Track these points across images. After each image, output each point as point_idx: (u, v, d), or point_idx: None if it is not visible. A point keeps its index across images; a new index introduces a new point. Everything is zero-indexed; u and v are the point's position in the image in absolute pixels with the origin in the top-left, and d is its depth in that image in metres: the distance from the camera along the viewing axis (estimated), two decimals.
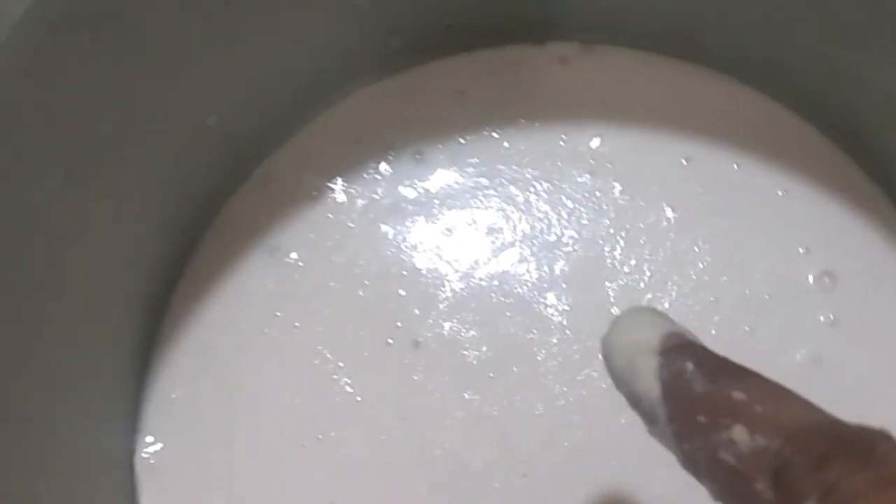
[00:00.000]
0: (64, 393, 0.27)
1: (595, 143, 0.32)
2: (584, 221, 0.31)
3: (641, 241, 0.31)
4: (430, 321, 0.30)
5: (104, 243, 0.27)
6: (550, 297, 0.30)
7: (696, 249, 0.30)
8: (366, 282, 0.31)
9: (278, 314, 0.31)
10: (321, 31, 0.29)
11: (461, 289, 0.31)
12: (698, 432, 0.19)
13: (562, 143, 0.32)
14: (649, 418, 0.20)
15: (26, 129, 0.23)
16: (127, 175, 0.27)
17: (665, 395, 0.20)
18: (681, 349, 0.20)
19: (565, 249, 0.31)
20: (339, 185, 0.31)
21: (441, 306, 0.30)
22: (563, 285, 0.30)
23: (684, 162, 0.31)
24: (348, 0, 0.28)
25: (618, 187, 0.31)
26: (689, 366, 0.19)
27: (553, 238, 0.31)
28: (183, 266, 0.31)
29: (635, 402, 0.21)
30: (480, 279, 0.31)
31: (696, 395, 0.19)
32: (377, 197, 0.31)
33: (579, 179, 0.31)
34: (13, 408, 0.24)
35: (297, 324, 0.31)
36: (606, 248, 0.31)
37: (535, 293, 0.30)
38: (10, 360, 0.24)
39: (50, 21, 0.22)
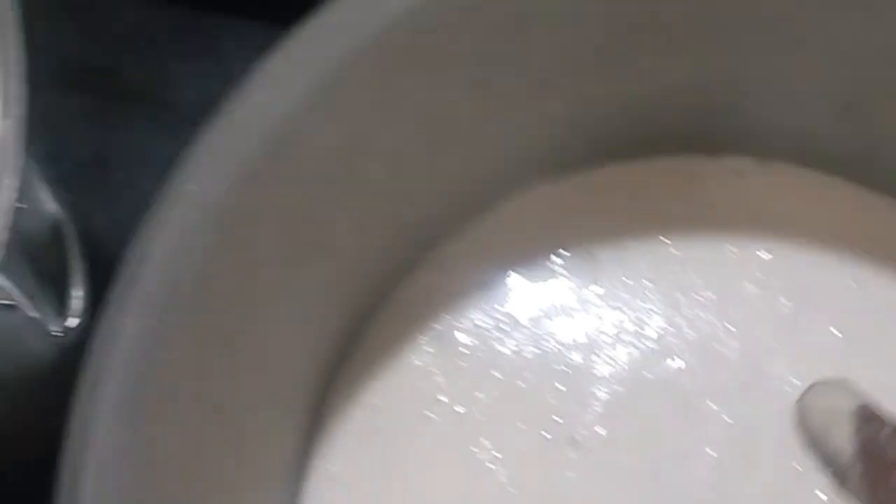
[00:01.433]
0: (241, 452, 0.28)
1: (765, 257, 0.32)
2: (749, 334, 0.31)
3: (806, 360, 0.31)
4: (589, 419, 0.31)
5: (284, 318, 0.29)
6: (711, 406, 0.30)
7: (862, 373, 0.30)
8: (527, 374, 0.31)
9: (441, 399, 0.31)
10: (511, 132, 0.30)
11: (621, 390, 0.31)
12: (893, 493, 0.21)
13: (731, 254, 0.32)
14: (841, 478, 0.22)
15: (256, 225, 0.24)
16: (317, 256, 0.29)
17: (860, 456, 0.22)
18: (875, 417, 0.22)
19: (728, 359, 0.31)
20: (511, 277, 0.32)
21: (599, 406, 0.31)
22: (725, 396, 0.31)
23: (854, 285, 0.31)
24: (544, 108, 0.29)
25: (785, 303, 0.31)
26: (885, 432, 0.22)
27: (716, 347, 0.31)
28: (353, 344, 0.32)
29: (828, 461, 0.23)
30: (641, 382, 0.31)
31: (890, 459, 0.21)
32: (546, 292, 0.32)
33: (746, 292, 0.32)
34: (195, 466, 0.26)
35: (459, 410, 0.31)
36: (769, 363, 0.31)
37: (696, 401, 0.31)
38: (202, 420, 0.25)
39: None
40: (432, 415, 0.31)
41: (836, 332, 0.31)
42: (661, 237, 0.32)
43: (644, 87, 0.30)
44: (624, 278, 0.32)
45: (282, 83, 0.23)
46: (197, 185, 0.22)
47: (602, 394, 0.31)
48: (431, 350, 0.32)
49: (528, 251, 0.33)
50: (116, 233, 0.37)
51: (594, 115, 0.30)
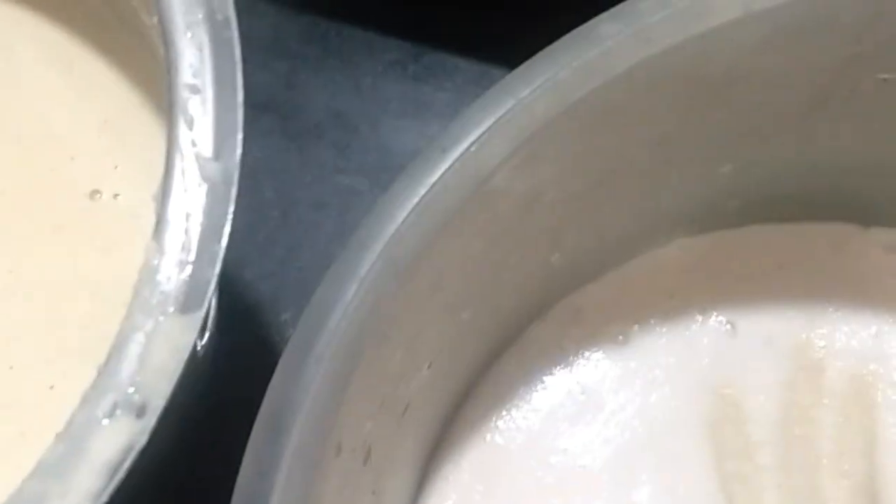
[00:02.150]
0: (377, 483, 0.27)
1: None
2: (885, 417, 0.30)
3: None
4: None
5: (431, 361, 0.28)
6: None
7: None
8: (654, 429, 0.30)
9: (565, 448, 0.31)
10: (677, 184, 0.29)
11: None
12: None
13: (871, 335, 0.31)
14: None
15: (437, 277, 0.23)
16: (477, 297, 0.28)
17: None
18: None
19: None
20: (646, 335, 0.31)
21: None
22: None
23: None
24: (720, 166, 0.28)
25: None
26: None
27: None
28: (479, 382, 0.31)
29: None
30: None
31: None
32: (681, 354, 0.31)
33: (891, 377, 0.31)
34: None
35: (580, 462, 0.30)
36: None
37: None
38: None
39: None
40: (553, 462, 0.30)
41: None
42: (800, 311, 0.31)
43: (813, 157, 0.29)
44: (765, 350, 0.31)
45: (489, 135, 0.22)
46: (387, 238, 0.21)
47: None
48: (559, 397, 0.31)
49: (664, 309, 0.32)
50: (236, 243, 0.36)
51: (760, 178, 0.30)
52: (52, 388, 0.25)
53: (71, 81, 0.27)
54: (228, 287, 0.35)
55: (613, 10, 0.22)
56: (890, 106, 0.26)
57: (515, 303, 0.31)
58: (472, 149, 0.21)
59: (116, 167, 0.26)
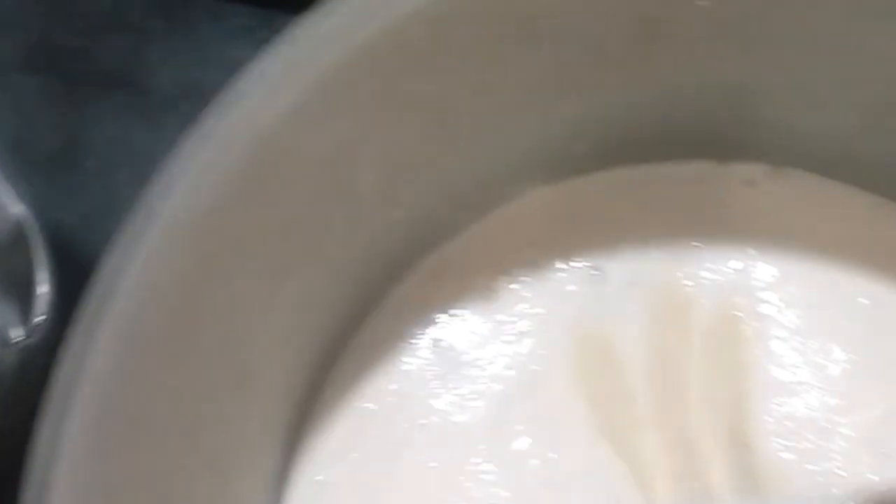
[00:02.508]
0: (221, 472, 0.26)
1: (772, 272, 0.31)
2: (753, 352, 0.30)
3: (809, 382, 0.30)
4: None
5: (269, 330, 0.27)
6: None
7: (870, 396, 0.29)
8: (527, 384, 0.30)
9: (437, 407, 0.30)
10: (517, 133, 0.29)
11: None
12: None
13: (735, 270, 0.31)
14: None
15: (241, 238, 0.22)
16: (304, 261, 0.27)
17: None
18: None
19: None
20: (512, 286, 0.31)
21: None
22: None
23: (865, 301, 0.30)
24: (552, 112, 0.27)
25: (791, 320, 0.30)
26: None
27: None
28: (342, 349, 0.31)
29: None
30: None
31: None
32: (549, 304, 0.31)
33: (756, 310, 0.30)
34: (168, 492, 0.24)
35: (456, 419, 0.30)
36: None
37: None
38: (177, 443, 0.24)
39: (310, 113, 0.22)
40: (427, 422, 0.30)
41: (843, 352, 0.30)
42: (665, 252, 0.31)
43: (657, 90, 0.28)
44: (631, 291, 0.31)
45: (272, 89, 0.21)
46: (178, 196, 0.20)
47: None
48: (427, 356, 0.30)
49: (528, 259, 0.31)
50: (86, 226, 0.34)
51: (604, 118, 0.29)
52: None
53: None
54: (82, 269, 0.34)
55: None
56: (714, 34, 0.26)
57: (369, 266, 0.30)
58: (253, 105, 0.20)
59: None
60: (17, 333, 0.27)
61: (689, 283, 0.31)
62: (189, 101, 0.36)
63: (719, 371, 0.30)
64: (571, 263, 0.31)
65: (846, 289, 0.30)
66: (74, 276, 0.30)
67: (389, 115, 0.23)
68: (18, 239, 0.29)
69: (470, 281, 0.31)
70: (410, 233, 0.30)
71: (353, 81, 0.21)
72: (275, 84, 0.20)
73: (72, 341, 0.19)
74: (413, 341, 0.31)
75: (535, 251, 0.31)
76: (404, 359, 0.31)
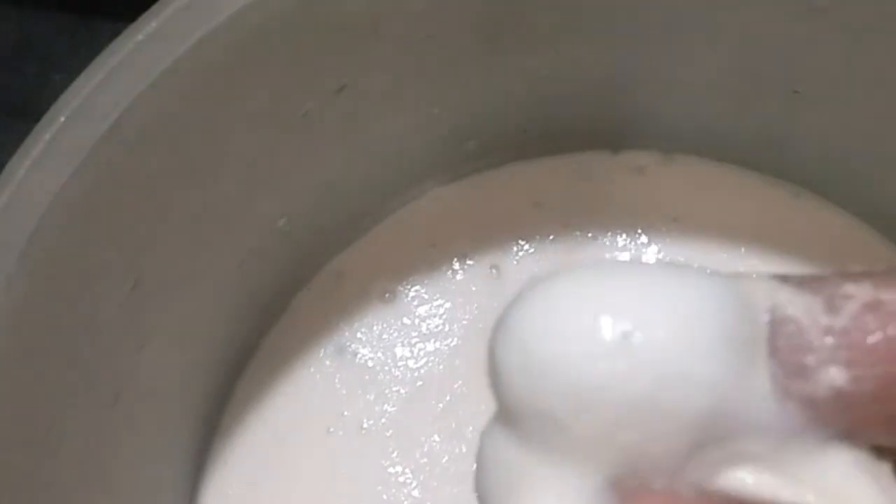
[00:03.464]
0: (120, 483, 0.27)
1: (660, 257, 0.31)
2: None
3: None
4: None
5: (169, 338, 0.27)
6: None
7: None
8: (433, 386, 0.30)
9: (345, 413, 0.30)
10: (397, 135, 0.29)
11: None
12: None
13: (627, 254, 0.31)
14: None
15: (99, 242, 0.23)
16: (195, 277, 0.27)
17: None
18: None
19: None
20: (412, 289, 0.31)
21: None
22: None
23: None
24: (426, 108, 0.28)
25: None
26: None
27: None
28: (247, 359, 0.31)
29: None
30: None
31: None
32: (450, 304, 0.31)
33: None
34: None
35: (364, 424, 0.30)
36: None
37: None
38: (69, 452, 0.24)
39: (127, 140, 0.22)
40: (336, 429, 0.30)
41: None
42: (562, 243, 0.31)
43: (523, 84, 0.29)
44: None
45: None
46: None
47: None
48: (332, 364, 0.31)
49: (428, 260, 0.31)
50: None
51: (483, 115, 0.29)
52: None
53: None
54: None
55: None
56: (568, 25, 0.26)
57: (265, 277, 0.30)
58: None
59: None
60: None
61: (580, 260, 0.31)
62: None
63: None
64: (469, 262, 0.31)
65: (735, 268, 0.31)
66: None
67: (239, 126, 0.24)
68: None
69: (370, 285, 0.31)
70: (309, 244, 0.30)
71: (197, 81, 0.22)
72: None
73: None
74: (318, 349, 0.31)
75: (432, 251, 0.32)
76: (310, 368, 0.31)
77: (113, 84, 0.21)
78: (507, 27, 0.25)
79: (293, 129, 0.26)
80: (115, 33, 0.37)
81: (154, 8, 0.21)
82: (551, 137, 0.31)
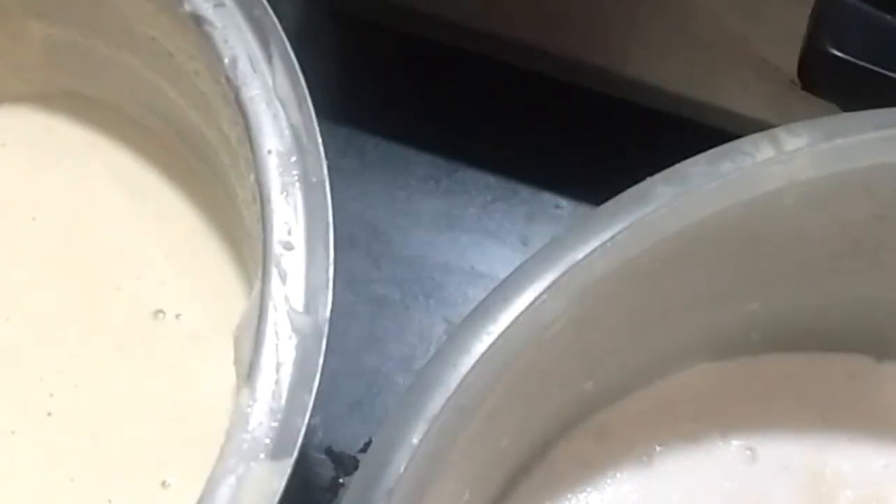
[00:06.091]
0: None
1: None
2: None
3: None
4: None
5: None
6: None
7: None
8: None
9: None
10: (699, 320, 0.31)
11: None
12: None
13: (880, 467, 0.32)
14: None
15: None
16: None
17: None
18: None
19: None
20: (669, 456, 0.33)
21: None
22: None
23: None
24: (743, 307, 0.30)
25: None
26: None
27: None
28: (507, 499, 0.32)
29: None
30: None
31: None
32: (705, 476, 0.32)
33: None
34: None
35: None
36: None
37: None
38: None
39: None
40: None
41: None
42: (816, 441, 0.33)
43: (834, 298, 0.31)
44: (785, 476, 0.32)
45: (550, 291, 0.23)
46: (456, 384, 0.22)
47: None
48: None
49: (687, 433, 0.33)
50: None
51: (784, 316, 0.31)
52: (109, 501, 0.26)
53: (141, 206, 0.28)
54: None
55: (667, 173, 0.24)
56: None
57: (546, 425, 0.32)
58: (536, 303, 0.23)
59: (181, 290, 0.27)
60: None
61: (836, 472, 0.33)
62: (369, 239, 0.39)
63: None
64: (727, 440, 0.33)
65: None
66: None
67: (619, 310, 0.26)
68: None
69: (630, 446, 0.33)
70: (588, 397, 0.32)
71: (612, 290, 0.24)
72: (554, 287, 0.23)
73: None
74: (571, 497, 0.32)
75: (693, 424, 0.33)
76: None
77: None
78: (860, 248, 0.27)
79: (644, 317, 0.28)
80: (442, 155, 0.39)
81: None
82: (823, 335, 0.33)
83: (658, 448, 0.33)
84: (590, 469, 0.33)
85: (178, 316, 0.28)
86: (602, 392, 0.33)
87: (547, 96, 0.39)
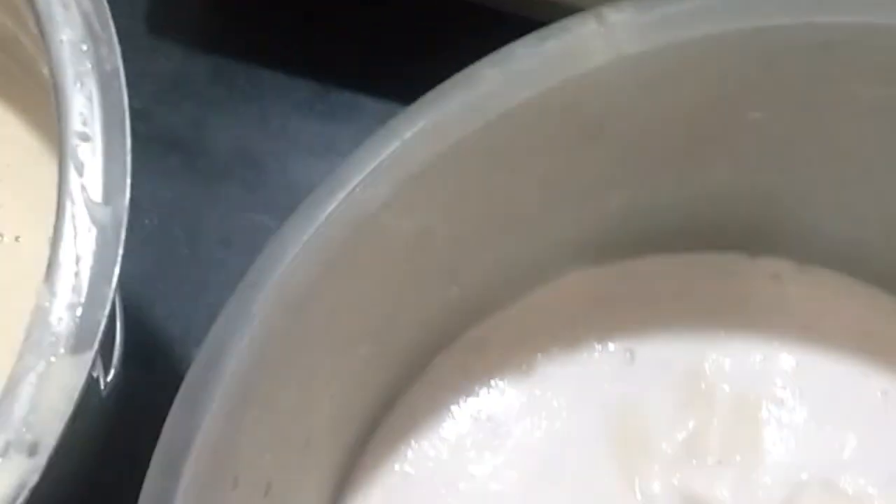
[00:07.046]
0: None
1: (791, 363, 0.32)
2: (768, 444, 0.32)
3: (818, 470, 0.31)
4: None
5: (328, 397, 0.28)
6: None
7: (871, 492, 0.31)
8: (560, 457, 0.32)
9: (474, 473, 0.31)
10: (565, 222, 0.30)
11: None
12: None
13: (757, 361, 0.33)
14: None
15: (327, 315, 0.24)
16: (370, 334, 0.28)
17: None
18: None
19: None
20: (550, 363, 0.32)
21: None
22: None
23: (878, 395, 0.32)
24: (603, 203, 0.29)
25: (805, 414, 0.32)
26: None
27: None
28: (386, 414, 0.32)
29: None
30: None
31: None
32: (585, 380, 0.32)
33: (775, 396, 0.32)
34: None
35: (492, 486, 0.31)
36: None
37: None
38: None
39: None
40: (464, 487, 0.31)
41: (853, 440, 0.31)
42: (694, 339, 0.33)
43: (702, 190, 0.30)
44: (662, 376, 0.32)
45: (373, 176, 0.23)
46: (278, 277, 0.22)
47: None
48: (467, 425, 0.32)
49: (566, 338, 0.33)
50: (146, 281, 0.36)
51: (649, 211, 0.31)
52: None
53: None
54: (139, 324, 0.36)
55: (493, 55, 0.23)
56: (763, 142, 0.28)
57: (417, 336, 0.31)
58: (357, 190, 0.22)
59: (18, 211, 0.27)
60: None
61: (714, 368, 0.33)
62: (244, 167, 0.38)
63: (736, 448, 0.32)
64: (605, 344, 0.33)
65: (860, 382, 0.32)
66: (133, 328, 0.32)
67: (466, 204, 0.25)
68: None
69: (509, 356, 0.33)
70: (460, 308, 0.32)
71: (443, 175, 0.23)
72: (376, 174, 0.22)
73: (183, 400, 0.21)
74: (453, 409, 0.32)
75: (572, 330, 0.33)
76: (443, 426, 0.32)
77: None
78: (709, 141, 0.27)
79: (498, 212, 0.27)
80: (264, 79, 0.39)
81: None
82: (696, 235, 0.33)
83: (538, 356, 0.33)
84: (470, 379, 0.33)
85: (17, 238, 0.27)
86: (474, 302, 0.32)
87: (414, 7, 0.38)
